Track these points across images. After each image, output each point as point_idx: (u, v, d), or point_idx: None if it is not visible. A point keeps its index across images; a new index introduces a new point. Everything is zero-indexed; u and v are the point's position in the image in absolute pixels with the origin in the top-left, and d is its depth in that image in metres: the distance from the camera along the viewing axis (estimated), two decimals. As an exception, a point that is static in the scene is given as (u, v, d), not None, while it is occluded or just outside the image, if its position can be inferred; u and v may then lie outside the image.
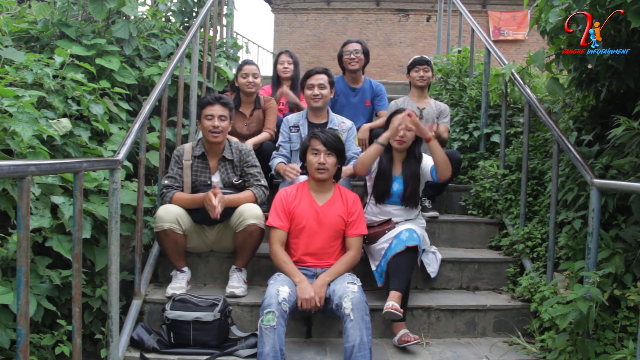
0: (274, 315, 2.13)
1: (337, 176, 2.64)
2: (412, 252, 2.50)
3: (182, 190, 2.69)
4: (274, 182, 3.41)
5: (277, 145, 3.25)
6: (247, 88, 3.42)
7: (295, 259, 2.52)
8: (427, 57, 3.66)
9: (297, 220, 2.51)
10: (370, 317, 2.24)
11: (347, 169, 3.00)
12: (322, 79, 3.12)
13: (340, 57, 3.81)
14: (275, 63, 4.02)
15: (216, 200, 2.47)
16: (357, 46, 3.73)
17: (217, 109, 2.67)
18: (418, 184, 2.78)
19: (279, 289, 2.23)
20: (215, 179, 2.74)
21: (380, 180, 2.77)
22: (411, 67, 3.64)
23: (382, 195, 2.77)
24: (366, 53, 3.78)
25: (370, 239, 2.68)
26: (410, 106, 3.59)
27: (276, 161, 3.12)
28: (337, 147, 2.52)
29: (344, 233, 2.56)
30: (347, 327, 2.15)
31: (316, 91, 3.10)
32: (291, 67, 3.91)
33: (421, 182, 2.82)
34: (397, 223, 2.71)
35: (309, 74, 3.16)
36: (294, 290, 2.31)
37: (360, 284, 2.34)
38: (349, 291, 2.24)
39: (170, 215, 2.54)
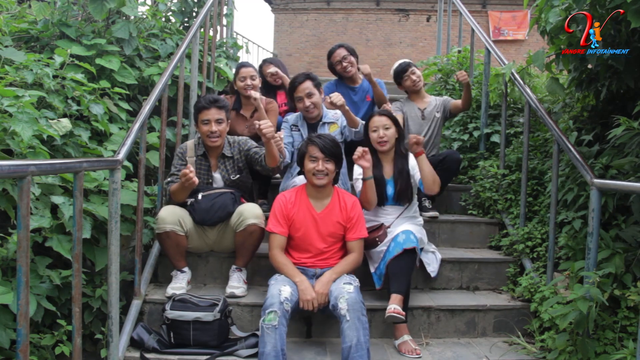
0: (276, 315, 2.12)
1: (335, 180, 2.61)
2: (411, 254, 2.49)
3: None
4: (273, 182, 3.42)
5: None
6: (246, 92, 3.41)
7: (295, 262, 2.52)
8: (405, 60, 3.67)
9: (296, 227, 2.51)
10: (367, 317, 2.24)
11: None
12: (307, 87, 3.06)
13: (331, 68, 3.74)
14: (260, 72, 3.84)
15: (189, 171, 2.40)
16: (343, 52, 3.65)
17: (212, 113, 2.66)
18: (408, 180, 2.76)
19: (281, 289, 2.23)
20: (217, 176, 2.76)
21: (376, 186, 2.73)
22: (398, 78, 3.62)
23: (379, 200, 2.75)
24: (353, 52, 3.71)
25: (365, 245, 2.63)
26: (410, 107, 3.62)
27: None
28: (335, 153, 2.50)
29: (343, 237, 2.56)
30: (344, 327, 2.16)
31: (307, 103, 3.06)
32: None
33: (414, 176, 2.79)
34: (389, 227, 2.70)
35: (292, 86, 3.11)
36: (295, 290, 2.31)
37: (357, 284, 2.34)
38: (344, 292, 2.23)
39: (173, 216, 2.54)
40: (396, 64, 3.69)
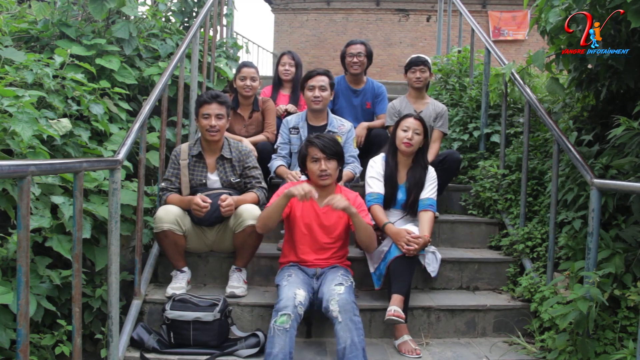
0: (289, 318, 2.11)
1: (338, 178, 2.61)
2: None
3: (180, 190, 2.70)
4: (273, 182, 3.41)
5: (275, 146, 3.24)
6: (244, 91, 3.40)
7: (297, 259, 2.52)
8: (424, 56, 3.56)
9: (298, 223, 2.51)
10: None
11: (346, 174, 2.98)
12: (323, 80, 3.10)
13: (342, 57, 3.77)
14: (277, 64, 4.00)
15: (201, 201, 2.51)
16: (361, 48, 3.68)
17: (213, 108, 2.66)
18: (420, 193, 2.75)
19: (297, 292, 2.21)
20: (214, 177, 2.74)
21: (388, 187, 2.74)
22: (408, 67, 3.55)
23: (388, 202, 2.75)
24: (369, 55, 3.73)
25: None
26: (407, 109, 3.52)
27: (276, 163, 3.11)
28: (336, 151, 2.49)
29: (344, 235, 2.56)
30: (337, 329, 2.15)
31: (317, 93, 3.08)
32: (292, 69, 3.88)
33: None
34: (394, 223, 2.70)
35: (309, 75, 3.13)
36: (310, 293, 2.30)
37: (349, 283, 2.32)
38: (334, 293, 2.22)
39: (170, 216, 2.54)
40: (414, 55, 3.62)
